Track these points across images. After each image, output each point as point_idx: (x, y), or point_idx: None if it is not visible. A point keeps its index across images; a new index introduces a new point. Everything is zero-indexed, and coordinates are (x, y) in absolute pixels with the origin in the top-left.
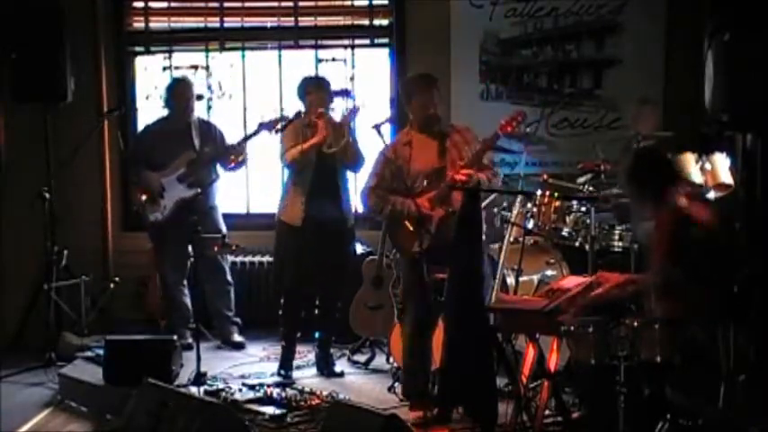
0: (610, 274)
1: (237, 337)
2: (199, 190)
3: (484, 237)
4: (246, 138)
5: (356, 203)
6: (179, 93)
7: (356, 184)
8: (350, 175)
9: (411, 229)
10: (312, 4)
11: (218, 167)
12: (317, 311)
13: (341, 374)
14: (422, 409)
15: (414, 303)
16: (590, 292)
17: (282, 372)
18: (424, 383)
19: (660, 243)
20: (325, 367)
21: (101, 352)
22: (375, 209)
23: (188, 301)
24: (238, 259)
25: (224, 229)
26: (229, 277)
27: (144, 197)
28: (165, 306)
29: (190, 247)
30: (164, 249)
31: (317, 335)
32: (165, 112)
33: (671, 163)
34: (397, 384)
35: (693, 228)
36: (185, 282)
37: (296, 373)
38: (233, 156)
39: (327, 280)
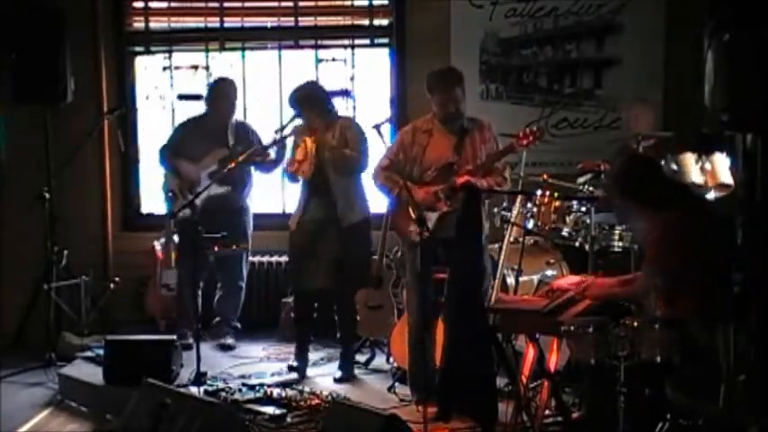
0: (599, 280)
1: (229, 340)
2: (229, 188)
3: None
4: (282, 127)
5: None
6: (223, 92)
7: None
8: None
9: (413, 216)
10: (312, 4)
11: (254, 170)
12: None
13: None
14: (432, 405)
15: (416, 294)
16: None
17: (294, 364)
18: (431, 377)
19: (649, 248)
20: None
21: (101, 352)
22: (383, 189)
23: (198, 302)
24: None
25: (250, 229)
26: (242, 282)
27: (172, 192)
28: (175, 303)
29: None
30: (186, 246)
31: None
32: (200, 111)
33: (660, 168)
34: (397, 384)
35: (692, 231)
36: (201, 283)
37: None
38: (269, 152)
39: (330, 280)
